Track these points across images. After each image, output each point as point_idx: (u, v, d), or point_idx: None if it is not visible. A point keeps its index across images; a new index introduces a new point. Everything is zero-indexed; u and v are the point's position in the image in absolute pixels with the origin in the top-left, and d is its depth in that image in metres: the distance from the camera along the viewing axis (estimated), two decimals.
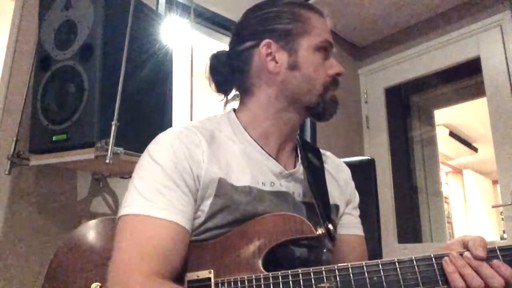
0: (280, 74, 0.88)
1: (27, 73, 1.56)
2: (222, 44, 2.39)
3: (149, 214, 0.71)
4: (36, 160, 1.45)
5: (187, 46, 1.90)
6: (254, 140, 0.88)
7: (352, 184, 1.04)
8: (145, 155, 0.79)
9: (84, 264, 0.78)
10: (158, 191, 0.73)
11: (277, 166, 0.88)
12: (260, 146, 0.88)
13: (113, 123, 1.30)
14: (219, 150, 0.83)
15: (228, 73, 0.95)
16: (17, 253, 1.48)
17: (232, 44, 0.96)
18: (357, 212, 1.03)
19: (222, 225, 0.77)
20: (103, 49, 1.35)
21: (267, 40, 0.89)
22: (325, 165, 0.98)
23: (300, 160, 0.94)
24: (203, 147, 0.80)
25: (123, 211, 0.73)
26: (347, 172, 1.04)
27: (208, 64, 0.97)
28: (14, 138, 1.48)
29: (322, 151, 1.02)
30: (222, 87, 0.98)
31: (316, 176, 0.92)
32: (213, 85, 0.98)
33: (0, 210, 1.48)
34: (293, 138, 0.95)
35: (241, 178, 0.82)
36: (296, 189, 0.89)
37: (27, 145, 1.45)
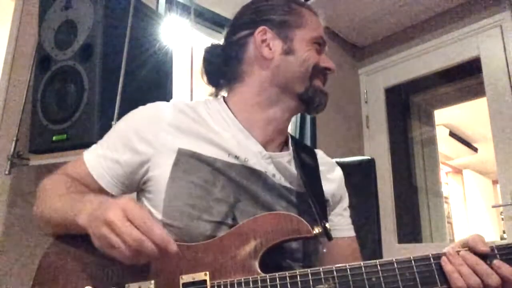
0: (274, 60, 0.90)
1: (27, 73, 1.56)
2: None
3: (85, 160, 0.88)
4: (36, 160, 1.45)
5: (187, 46, 1.90)
6: (239, 122, 0.89)
7: (343, 183, 1.03)
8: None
9: (73, 267, 0.76)
10: (104, 149, 0.88)
11: (256, 145, 0.88)
12: (243, 126, 0.89)
13: (113, 123, 1.30)
14: (195, 123, 0.86)
15: (221, 64, 0.96)
16: (17, 253, 1.48)
17: (227, 36, 0.98)
18: (347, 213, 1.02)
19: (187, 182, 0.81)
20: (103, 49, 1.35)
21: (262, 27, 0.91)
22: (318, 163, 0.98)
23: (289, 150, 0.93)
24: (167, 120, 0.85)
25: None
26: (338, 171, 1.04)
27: (203, 56, 0.99)
28: (14, 138, 1.48)
29: (315, 150, 1.03)
30: (214, 78, 0.99)
31: (310, 175, 0.92)
32: (205, 77, 0.99)
33: (0, 210, 1.48)
34: (281, 133, 0.94)
35: (210, 149, 0.83)
36: (276, 172, 0.88)
37: (27, 145, 1.45)
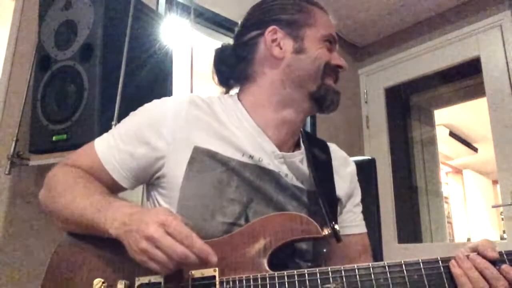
0: (285, 59, 0.90)
1: (27, 73, 1.56)
2: None
3: (97, 150, 0.85)
4: (36, 160, 1.45)
5: (187, 46, 1.90)
6: (253, 120, 0.89)
7: (355, 179, 1.03)
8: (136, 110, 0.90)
9: (84, 259, 0.77)
10: (117, 140, 0.85)
11: (270, 145, 0.87)
12: (257, 125, 0.88)
13: (113, 123, 1.29)
14: (211, 119, 0.85)
15: (233, 65, 0.96)
16: (17, 253, 1.48)
17: (237, 36, 0.98)
18: (359, 209, 1.02)
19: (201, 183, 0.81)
20: (103, 49, 1.35)
21: (272, 27, 0.91)
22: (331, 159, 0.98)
23: (301, 149, 0.93)
24: (184, 116, 0.84)
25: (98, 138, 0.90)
26: (352, 167, 1.03)
27: (213, 56, 0.99)
28: (14, 138, 1.48)
29: (328, 143, 1.02)
30: (225, 79, 0.98)
31: (323, 172, 0.92)
32: (216, 78, 0.99)
33: (0, 210, 1.48)
34: (295, 134, 0.94)
35: (225, 148, 0.83)
36: (288, 172, 0.88)
37: (27, 145, 1.45)
